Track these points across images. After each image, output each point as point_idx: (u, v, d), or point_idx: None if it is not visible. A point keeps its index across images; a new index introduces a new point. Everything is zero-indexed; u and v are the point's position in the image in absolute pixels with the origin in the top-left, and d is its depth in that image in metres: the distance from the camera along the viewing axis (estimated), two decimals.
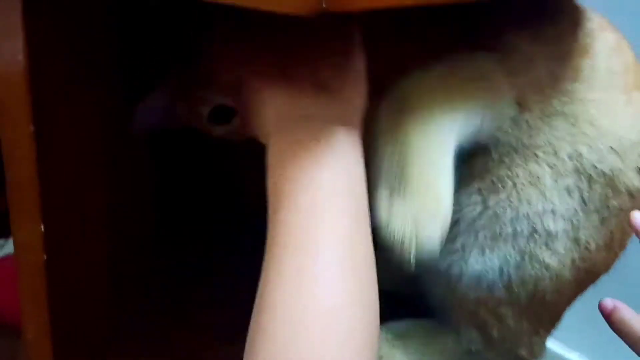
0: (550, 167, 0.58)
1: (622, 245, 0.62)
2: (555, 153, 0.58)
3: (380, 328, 0.65)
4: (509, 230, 0.59)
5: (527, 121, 0.58)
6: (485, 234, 0.59)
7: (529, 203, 0.58)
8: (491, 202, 0.59)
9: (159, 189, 0.82)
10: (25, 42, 0.43)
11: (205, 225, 0.89)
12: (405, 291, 0.69)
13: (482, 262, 0.60)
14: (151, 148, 0.77)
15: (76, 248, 0.57)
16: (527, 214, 0.58)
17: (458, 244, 0.61)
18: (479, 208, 0.59)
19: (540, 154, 0.58)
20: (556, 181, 0.58)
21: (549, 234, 0.58)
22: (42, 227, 0.50)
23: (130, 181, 0.70)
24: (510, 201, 0.58)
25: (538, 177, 0.58)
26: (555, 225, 0.58)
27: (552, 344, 0.61)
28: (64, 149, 0.52)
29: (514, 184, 0.58)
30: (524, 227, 0.58)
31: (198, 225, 0.90)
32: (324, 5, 0.36)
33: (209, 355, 0.68)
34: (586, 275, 0.61)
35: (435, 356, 0.67)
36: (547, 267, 0.59)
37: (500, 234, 0.59)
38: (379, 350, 0.65)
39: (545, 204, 0.58)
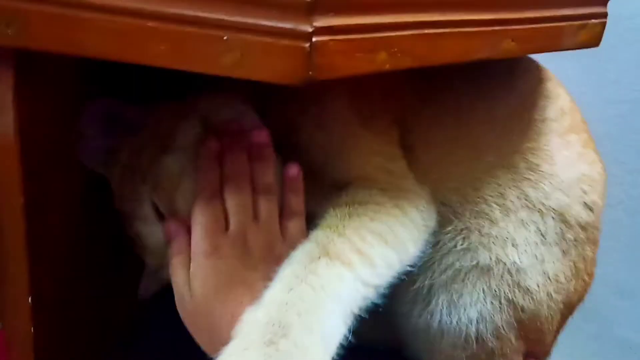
0: (499, 206, 0.61)
1: (590, 274, 0.65)
2: (502, 195, 0.61)
3: None
4: (475, 276, 0.60)
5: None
6: (455, 289, 0.61)
7: (480, 233, 0.60)
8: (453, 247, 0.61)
9: None
10: (15, 117, 0.44)
11: None
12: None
13: (460, 318, 0.61)
14: None
15: (65, 319, 0.57)
16: (491, 250, 0.60)
17: (433, 305, 0.62)
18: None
19: (488, 197, 0.61)
20: (507, 215, 0.61)
21: (517, 269, 0.60)
22: (30, 299, 0.50)
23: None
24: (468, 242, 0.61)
25: (486, 213, 0.61)
26: (520, 258, 0.60)
27: None
28: (53, 219, 0.52)
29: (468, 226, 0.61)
30: (492, 265, 0.60)
31: None
32: (310, 74, 0.38)
33: None
34: (564, 307, 0.63)
35: None
36: (522, 309, 0.61)
37: (467, 279, 0.60)
38: None
39: (500, 231, 0.60)
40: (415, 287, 0.62)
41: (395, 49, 0.43)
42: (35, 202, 0.48)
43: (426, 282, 0.62)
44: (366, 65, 0.42)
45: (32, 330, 0.51)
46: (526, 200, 0.61)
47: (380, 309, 0.45)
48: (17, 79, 0.43)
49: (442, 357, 0.63)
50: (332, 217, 0.50)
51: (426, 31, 0.45)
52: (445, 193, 0.61)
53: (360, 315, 0.46)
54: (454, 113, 0.61)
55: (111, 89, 0.61)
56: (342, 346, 0.43)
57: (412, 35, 0.44)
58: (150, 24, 0.38)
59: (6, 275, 0.49)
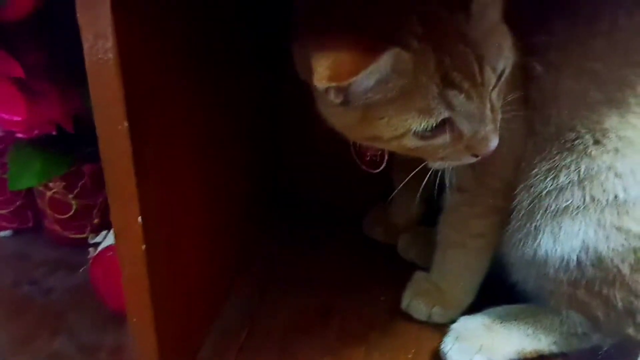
0: (595, 140, 0.58)
1: None
2: (602, 128, 0.58)
3: (477, 315, 0.65)
4: (580, 199, 0.58)
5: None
6: (557, 223, 0.59)
7: (569, 171, 0.58)
8: (562, 177, 0.59)
9: (257, 176, 0.84)
10: (115, 41, 0.45)
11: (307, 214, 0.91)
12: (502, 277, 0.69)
13: (564, 242, 0.59)
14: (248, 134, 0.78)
15: (175, 236, 0.59)
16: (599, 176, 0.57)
17: (532, 228, 0.61)
18: (549, 183, 0.59)
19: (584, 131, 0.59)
20: (606, 147, 0.57)
21: (624, 201, 0.57)
22: (140, 218, 0.52)
23: (227, 169, 0.72)
24: (578, 166, 0.58)
25: (579, 148, 0.58)
26: (625, 190, 0.57)
27: None
28: (157, 142, 0.53)
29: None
30: (587, 204, 0.58)
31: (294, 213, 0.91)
32: None
33: (310, 334, 0.69)
34: None
35: (540, 338, 0.65)
36: (637, 235, 0.57)
37: (571, 205, 0.58)
38: (476, 339, 0.65)
39: (595, 165, 0.57)
40: (523, 232, 0.62)
41: None
42: (139, 125, 0.49)
43: (532, 226, 0.61)
44: None
45: (143, 248, 0.54)
46: (633, 129, 0.57)
47: None
48: (114, 5, 0.43)
49: (546, 281, 0.62)
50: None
51: None
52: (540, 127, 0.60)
53: None
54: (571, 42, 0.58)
55: (209, 13, 0.61)
56: None
57: None
58: None
59: (116, 198, 0.52)
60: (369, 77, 0.46)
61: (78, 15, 0.44)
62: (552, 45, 0.59)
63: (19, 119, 0.61)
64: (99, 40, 0.45)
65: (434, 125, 0.49)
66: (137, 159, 0.50)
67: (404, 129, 0.49)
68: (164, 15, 0.52)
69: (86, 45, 0.45)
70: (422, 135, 0.50)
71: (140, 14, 0.47)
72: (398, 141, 0.51)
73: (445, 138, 0.51)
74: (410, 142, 0.51)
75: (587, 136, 0.58)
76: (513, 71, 0.56)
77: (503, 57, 0.50)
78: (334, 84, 0.46)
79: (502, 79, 0.51)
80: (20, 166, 0.71)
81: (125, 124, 0.48)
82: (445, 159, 0.54)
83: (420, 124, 0.49)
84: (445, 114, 0.49)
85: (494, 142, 0.51)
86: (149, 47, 0.50)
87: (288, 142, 0.90)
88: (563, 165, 0.59)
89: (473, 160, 0.53)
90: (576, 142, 0.58)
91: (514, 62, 0.52)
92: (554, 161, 0.59)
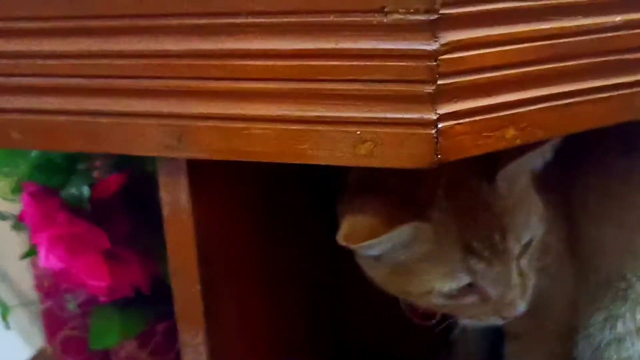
0: None
1: None
2: None
3: None
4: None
5: None
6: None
7: (624, 320, 0.59)
8: (619, 326, 0.59)
9: (318, 328, 0.87)
10: (191, 217, 0.52)
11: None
12: None
13: None
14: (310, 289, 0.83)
15: None
16: None
17: None
18: (607, 333, 0.60)
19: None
20: None
21: None
22: None
23: (291, 323, 0.75)
24: (633, 314, 0.59)
25: (630, 296, 0.59)
26: None
27: None
28: (227, 301, 0.58)
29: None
30: None
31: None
32: (439, 157, 0.41)
33: None
34: None
35: None
36: None
37: (634, 355, 0.58)
38: None
39: None
40: None
41: (525, 124, 0.44)
42: (211, 287, 0.55)
43: None
44: (495, 142, 0.44)
45: None
46: None
47: None
48: (191, 184, 0.50)
49: None
50: None
51: (557, 103, 0.46)
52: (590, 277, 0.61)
53: None
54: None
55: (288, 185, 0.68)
56: None
57: (542, 108, 0.45)
58: (294, 127, 0.43)
59: (188, 349, 0.56)
60: (382, 244, 0.49)
61: (161, 193, 0.51)
62: (590, 199, 0.62)
63: (104, 284, 0.67)
64: (177, 214, 0.52)
65: (458, 288, 0.51)
66: (208, 315, 0.55)
67: (429, 288, 0.52)
68: (234, 192, 0.59)
69: (166, 218, 0.52)
70: (448, 296, 0.52)
71: (213, 193, 0.54)
72: (426, 298, 0.53)
73: (471, 299, 0.53)
74: (437, 301, 0.53)
75: (638, 285, 0.59)
76: (558, 224, 0.59)
77: (530, 228, 0.52)
78: (348, 244, 0.50)
79: (530, 247, 0.53)
80: (101, 327, 0.77)
81: (199, 286, 0.53)
82: (473, 318, 0.55)
83: (443, 285, 0.51)
84: (467, 280, 0.51)
85: (519, 307, 0.52)
86: (221, 220, 0.56)
87: (346, 296, 0.94)
88: (618, 315, 0.59)
89: (500, 322, 0.54)
90: (628, 290, 0.59)
91: (544, 229, 0.55)
92: (609, 310, 0.60)
